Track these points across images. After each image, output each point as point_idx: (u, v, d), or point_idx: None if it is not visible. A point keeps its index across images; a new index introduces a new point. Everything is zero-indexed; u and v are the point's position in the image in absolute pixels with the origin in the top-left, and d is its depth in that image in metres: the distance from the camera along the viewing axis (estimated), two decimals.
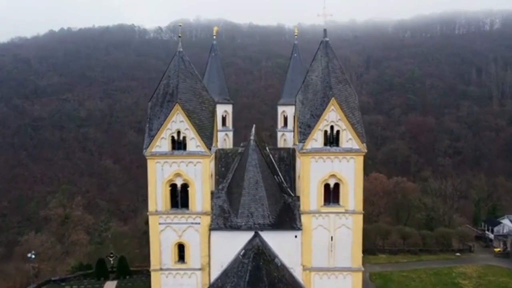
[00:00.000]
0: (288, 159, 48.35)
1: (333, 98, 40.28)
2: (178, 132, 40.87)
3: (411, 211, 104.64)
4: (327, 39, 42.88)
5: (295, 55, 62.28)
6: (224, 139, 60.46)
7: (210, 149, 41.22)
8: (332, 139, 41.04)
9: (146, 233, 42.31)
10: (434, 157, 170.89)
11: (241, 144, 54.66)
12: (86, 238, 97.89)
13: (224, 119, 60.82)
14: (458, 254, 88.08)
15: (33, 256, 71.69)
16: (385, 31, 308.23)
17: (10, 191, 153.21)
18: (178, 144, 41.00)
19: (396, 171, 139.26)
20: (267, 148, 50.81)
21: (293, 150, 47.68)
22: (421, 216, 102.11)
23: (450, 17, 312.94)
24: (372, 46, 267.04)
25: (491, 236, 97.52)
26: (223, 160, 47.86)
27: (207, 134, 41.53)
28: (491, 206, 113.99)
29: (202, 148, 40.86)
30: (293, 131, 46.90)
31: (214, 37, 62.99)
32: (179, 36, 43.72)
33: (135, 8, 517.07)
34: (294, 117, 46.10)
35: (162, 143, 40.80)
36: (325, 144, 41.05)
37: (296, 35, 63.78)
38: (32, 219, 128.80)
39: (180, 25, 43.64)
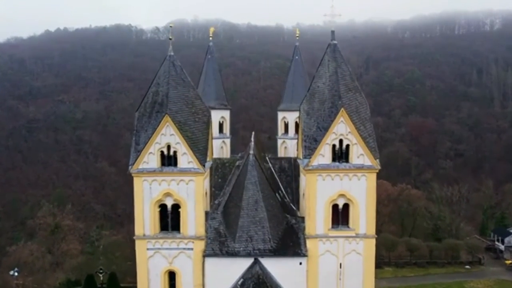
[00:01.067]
0: (289, 169, 44.89)
1: (342, 109, 35.91)
2: (168, 147, 36.43)
3: (417, 220, 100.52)
4: (335, 41, 38.29)
5: (297, 57, 58.23)
6: (221, 147, 56.74)
7: (204, 165, 36.85)
8: (341, 154, 36.61)
9: None
10: (435, 159, 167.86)
11: (239, 155, 51.07)
12: (77, 248, 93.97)
13: (221, 126, 56.95)
14: (467, 267, 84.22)
15: (16, 274, 67.53)
16: (384, 32, 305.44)
17: (4, 194, 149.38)
18: (168, 160, 36.52)
19: (397, 174, 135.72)
20: (267, 158, 46.97)
21: (295, 159, 44.02)
22: (427, 225, 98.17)
23: (450, 18, 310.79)
24: (371, 46, 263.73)
25: (501, 247, 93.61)
26: (219, 170, 44.28)
27: (200, 149, 37.09)
28: (500, 215, 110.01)
29: (195, 164, 36.44)
30: (297, 144, 42.76)
31: (211, 38, 58.75)
32: (170, 39, 39.03)
33: (132, 8, 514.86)
34: (297, 126, 42.00)
35: (150, 159, 36.36)
36: (333, 160, 36.62)
37: (297, 36, 59.63)
38: (26, 224, 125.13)
39: (171, 26, 38.74)
